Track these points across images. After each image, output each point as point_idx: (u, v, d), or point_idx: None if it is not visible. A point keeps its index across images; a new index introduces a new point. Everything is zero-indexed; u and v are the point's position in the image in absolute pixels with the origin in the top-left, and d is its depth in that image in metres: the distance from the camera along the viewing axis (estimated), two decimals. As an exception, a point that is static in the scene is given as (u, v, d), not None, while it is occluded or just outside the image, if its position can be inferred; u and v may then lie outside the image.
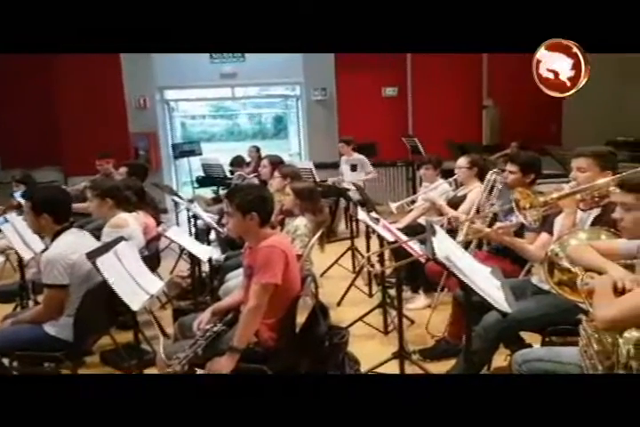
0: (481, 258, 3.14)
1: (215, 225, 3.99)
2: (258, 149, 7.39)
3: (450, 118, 8.02)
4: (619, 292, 1.71)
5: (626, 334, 1.58)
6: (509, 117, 8.16)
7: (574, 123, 8.08)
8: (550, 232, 2.60)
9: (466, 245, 3.55)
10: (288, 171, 4.08)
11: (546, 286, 2.26)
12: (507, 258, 3.14)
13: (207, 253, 3.33)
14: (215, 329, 2.34)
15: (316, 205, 3.47)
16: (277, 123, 12.07)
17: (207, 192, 7.28)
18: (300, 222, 3.36)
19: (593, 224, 2.37)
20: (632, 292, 1.67)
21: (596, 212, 2.44)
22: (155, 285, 2.67)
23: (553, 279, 2.09)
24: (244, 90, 9.40)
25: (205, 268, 3.75)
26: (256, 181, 5.28)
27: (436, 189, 4.28)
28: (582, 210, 2.49)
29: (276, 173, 4.10)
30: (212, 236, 4.35)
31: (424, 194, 4.38)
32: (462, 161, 3.95)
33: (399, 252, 3.59)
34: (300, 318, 2.54)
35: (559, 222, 2.52)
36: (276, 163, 4.58)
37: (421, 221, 4.22)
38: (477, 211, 3.66)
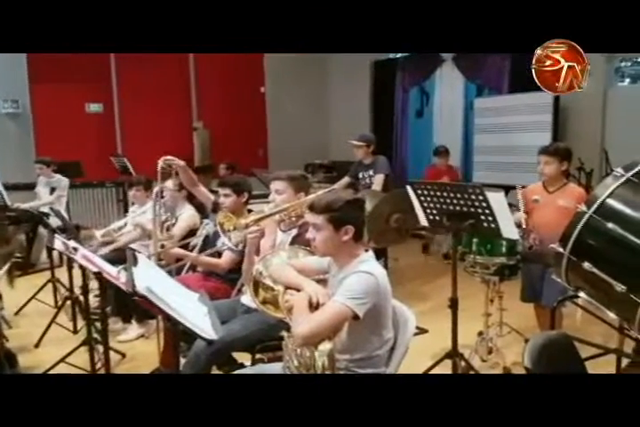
0: (193, 281, 3.11)
1: None
2: None
3: (161, 138, 7.90)
4: (314, 307, 1.85)
5: (320, 347, 1.70)
6: (220, 140, 8.43)
7: (278, 148, 8.79)
8: (258, 253, 2.71)
9: (180, 268, 3.49)
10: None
11: (254, 305, 2.32)
12: (219, 279, 3.17)
13: None
14: None
15: (0, 235, 2.98)
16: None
17: None
18: (-20, 256, 2.85)
19: (292, 244, 2.54)
20: (322, 308, 1.81)
21: (294, 232, 2.62)
22: None
23: (258, 298, 2.17)
24: None
25: None
26: None
27: (145, 214, 4.09)
28: (283, 231, 2.66)
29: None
30: None
31: (132, 219, 4.17)
32: (170, 183, 3.87)
33: (106, 281, 3.32)
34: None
35: (262, 243, 2.64)
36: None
37: (135, 246, 4.00)
38: (193, 233, 3.65)
